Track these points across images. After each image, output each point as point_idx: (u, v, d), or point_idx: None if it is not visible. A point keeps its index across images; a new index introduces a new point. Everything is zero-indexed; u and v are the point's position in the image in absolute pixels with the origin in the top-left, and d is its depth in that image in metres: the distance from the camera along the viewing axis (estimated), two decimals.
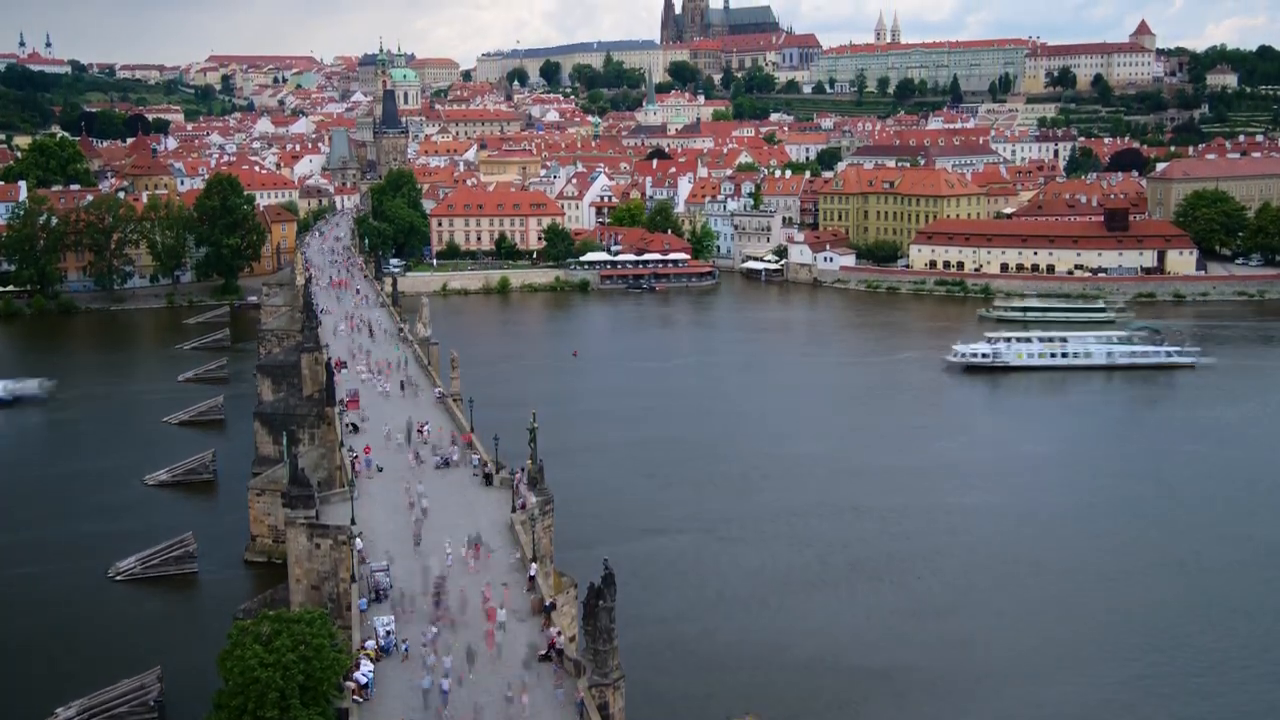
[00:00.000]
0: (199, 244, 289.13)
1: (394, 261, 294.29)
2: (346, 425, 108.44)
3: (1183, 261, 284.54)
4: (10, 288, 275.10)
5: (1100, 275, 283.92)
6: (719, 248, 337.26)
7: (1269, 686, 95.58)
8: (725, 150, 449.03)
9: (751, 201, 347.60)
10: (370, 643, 63.72)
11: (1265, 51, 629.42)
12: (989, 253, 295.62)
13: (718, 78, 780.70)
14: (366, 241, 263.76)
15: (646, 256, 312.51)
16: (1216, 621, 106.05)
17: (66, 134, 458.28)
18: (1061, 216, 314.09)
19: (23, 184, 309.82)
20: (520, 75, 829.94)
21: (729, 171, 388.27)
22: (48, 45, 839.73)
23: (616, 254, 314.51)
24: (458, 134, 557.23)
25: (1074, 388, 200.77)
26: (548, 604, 68.49)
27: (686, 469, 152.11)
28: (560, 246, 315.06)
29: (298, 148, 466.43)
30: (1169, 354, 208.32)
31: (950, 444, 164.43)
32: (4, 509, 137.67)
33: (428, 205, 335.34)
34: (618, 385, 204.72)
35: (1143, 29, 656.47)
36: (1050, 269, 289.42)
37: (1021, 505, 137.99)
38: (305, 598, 78.41)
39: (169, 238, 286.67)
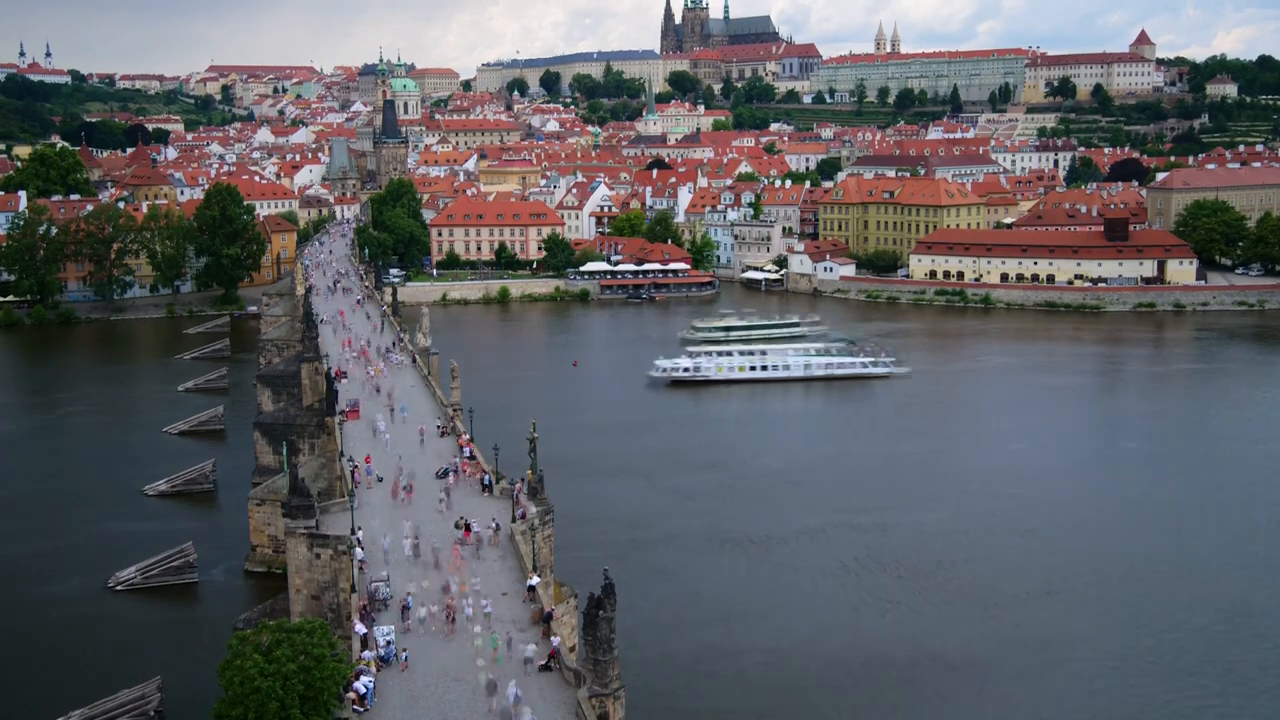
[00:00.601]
0: (199, 254, 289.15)
1: (394, 271, 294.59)
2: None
3: (1183, 271, 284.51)
4: (10, 298, 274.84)
5: (1100, 285, 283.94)
6: (719, 258, 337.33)
7: None
8: (725, 160, 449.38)
9: (751, 211, 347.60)
10: (370, 653, 63.63)
11: (1265, 61, 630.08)
12: (989, 263, 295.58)
13: (718, 88, 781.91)
14: (366, 251, 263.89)
15: (646, 266, 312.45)
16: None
17: (66, 144, 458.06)
18: (1061, 226, 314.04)
19: (23, 194, 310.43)
20: (520, 85, 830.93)
21: (729, 181, 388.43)
22: (48, 55, 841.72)
23: (616, 264, 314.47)
24: (458, 144, 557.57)
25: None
26: (547, 614, 68.45)
27: (688, 477, 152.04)
28: (560, 256, 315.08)
29: (298, 158, 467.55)
30: (865, 364, 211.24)
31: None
32: (4, 519, 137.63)
33: (427, 215, 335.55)
34: (617, 394, 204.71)
35: (1142, 39, 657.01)
36: (1050, 279, 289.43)
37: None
38: (305, 608, 78.30)
39: (169, 248, 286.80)
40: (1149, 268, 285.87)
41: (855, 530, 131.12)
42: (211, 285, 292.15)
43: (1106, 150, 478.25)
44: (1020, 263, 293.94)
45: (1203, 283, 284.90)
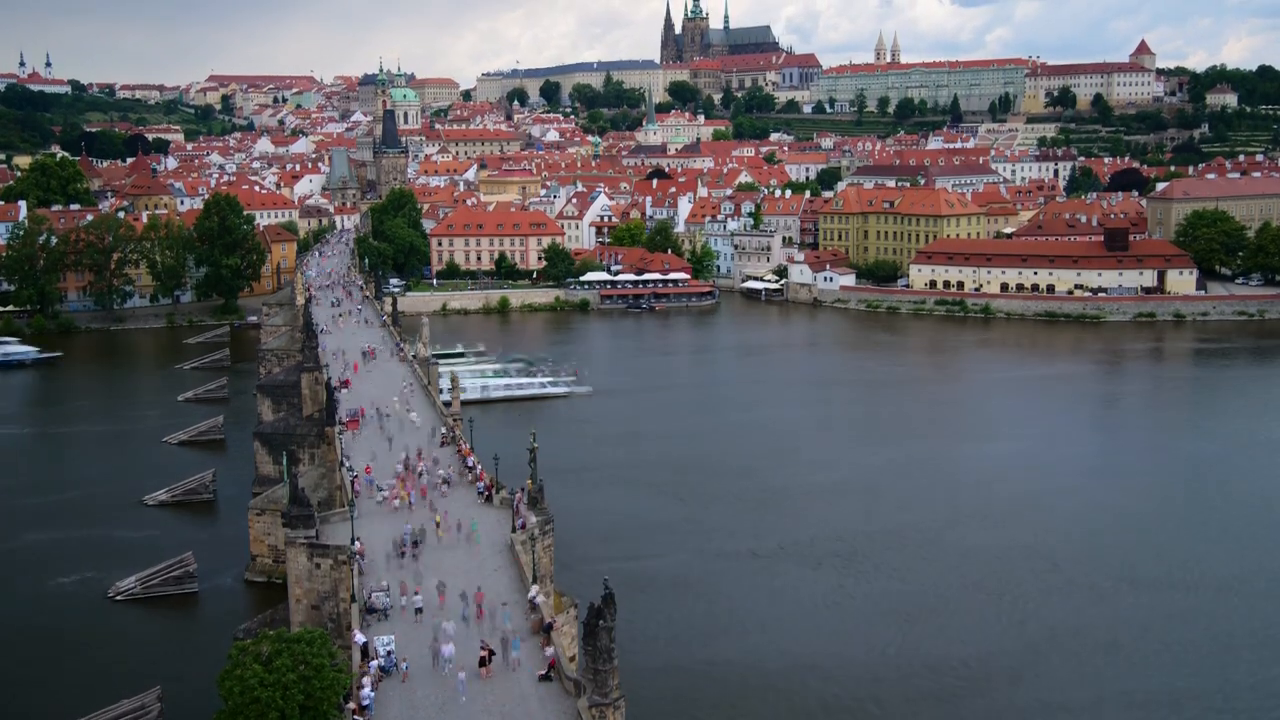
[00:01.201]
0: (199, 264, 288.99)
1: (394, 281, 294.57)
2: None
3: (1183, 281, 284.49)
4: (10, 307, 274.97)
5: (1100, 295, 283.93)
6: (719, 267, 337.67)
7: None
8: (725, 170, 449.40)
9: (751, 221, 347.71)
10: (373, 663, 63.56)
11: (1265, 71, 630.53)
12: (989, 272, 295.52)
13: (718, 97, 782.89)
14: (366, 261, 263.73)
15: (646, 276, 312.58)
16: None
17: (66, 154, 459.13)
18: (1061, 236, 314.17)
19: (23, 204, 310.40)
20: (520, 95, 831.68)
21: (729, 191, 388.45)
22: (48, 65, 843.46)
23: (616, 274, 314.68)
24: (458, 154, 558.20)
25: None
26: (547, 624, 68.40)
27: (688, 487, 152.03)
28: (560, 266, 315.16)
29: (298, 167, 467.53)
30: (544, 385, 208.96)
31: None
32: (4, 529, 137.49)
33: (428, 225, 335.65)
34: (617, 404, 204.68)
35: (1143, 49, 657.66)
36: (1050, 289, 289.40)
37: None
38: (305, 617, 78.25)
39: (169, 257, 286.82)
40: (1149, 278, 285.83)
41: None
42: (211, 295, 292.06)
43: (1106, 160, 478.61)
44: (1020, 273, 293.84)
45: (1203, 293, 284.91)
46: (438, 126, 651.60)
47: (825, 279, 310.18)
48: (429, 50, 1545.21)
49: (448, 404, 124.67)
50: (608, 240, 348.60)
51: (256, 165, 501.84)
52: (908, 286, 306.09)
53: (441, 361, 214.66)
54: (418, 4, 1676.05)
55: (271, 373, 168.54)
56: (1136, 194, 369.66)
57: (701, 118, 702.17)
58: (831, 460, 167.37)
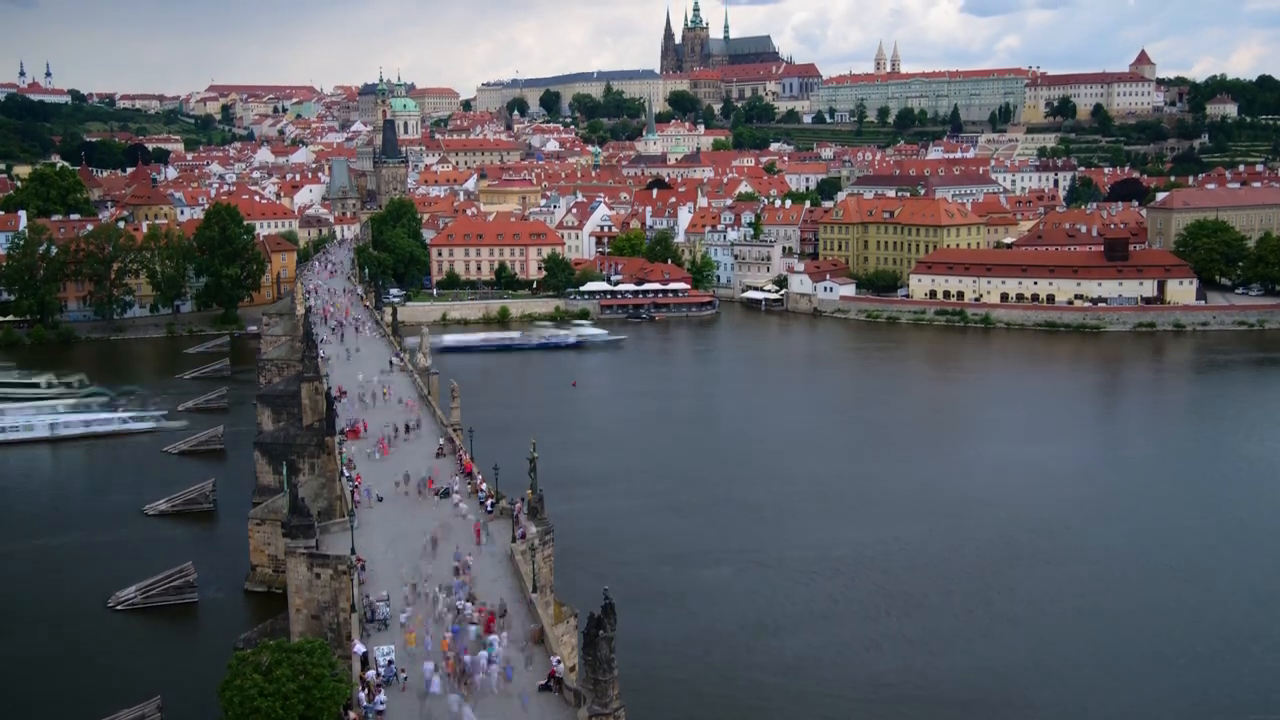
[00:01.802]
0: (199, 273, 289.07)
1: (394, 291, 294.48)
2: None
3: (1183, 291, 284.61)
4: (10, 317, 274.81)
5: (1100, 305, 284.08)
6: (719, 277, 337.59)
7: None
8: (725, 180, 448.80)
9: (751, 231, 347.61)
10: (371, 673, 63.49)
11: (1265, 81, 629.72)
12: (989, 282, 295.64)
13: (718, 107, 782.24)
14: (366, 271, 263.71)
15: (646, 286, 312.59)
16: None
17: (66, 163, 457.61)
18: (1061, 246, 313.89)
19: (23, 213, 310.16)
20: (520, 105, 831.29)
21: (729, 201, 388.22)
22: (48, 75, 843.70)
23: (616, 284, 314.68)
24: (458, 164, 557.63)
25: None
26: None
27: (688, 496, 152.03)
28: (560, 276, 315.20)
29: (298, 177, 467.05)
30: (125, 420, 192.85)
31: None
32: (4, 539, 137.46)
33: (428, 235, 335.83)
34: (617, 414, 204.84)
35: (1143, 59, 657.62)
36: (1050, 299, 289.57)
37: None
38: (305, 627, 78.26)
39: (169, 267, 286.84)
40: (1149, 288, 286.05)
41: None
42: (211, 305, 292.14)
43: (1106, 170, 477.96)
44: (1020, 283, 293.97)
45: (1203, 303, 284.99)
46: (438, 136, 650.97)
47: (825, 289, 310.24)
48: (443, 61, 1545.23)
49: None
50: (608, 250, 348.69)
51: (256, 175, 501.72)
52: (908, 296, 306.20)
53: (7, 391, 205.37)
54: (435, 14, 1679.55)
55: (271, 382, 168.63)
56: (1136, 204, 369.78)
57: (701, 128, 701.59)
58: (831, 470, 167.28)
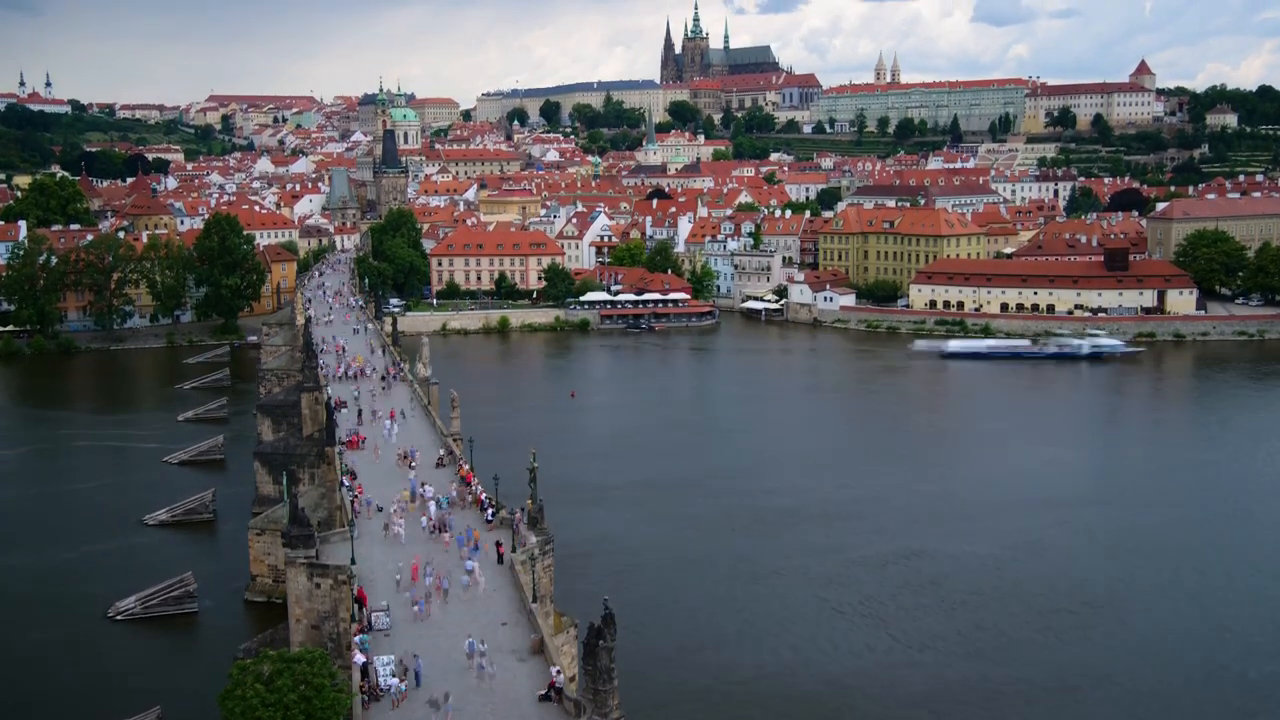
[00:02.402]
0: (199, 284, 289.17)
1: (394, 301, 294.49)
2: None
3: (1183, 301, 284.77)
4: (10, 327, 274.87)
5: (1100, 315, 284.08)
6: (719, 287, 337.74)
7: None
8: (725, 190, 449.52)
9: (751, 241, 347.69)
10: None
11: (1265, 91, 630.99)
12: (989, 292, 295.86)
13: (718, 117, 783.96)
14: (366, 281, 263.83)
15: (646, 296, 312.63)
16: None
17: (66, 173, 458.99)
18: (1061, 256, 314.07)
19: (23, 223, 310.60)
20: (520, 115, 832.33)
21: (729, 211, 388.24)
22: (48, 85, 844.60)
23: (616, 294, 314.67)
24: (458, 174, 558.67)
25: None
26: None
27: (686, 507, 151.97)
28: (560, 286, 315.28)
29: (298, 187, 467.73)
30: None
31: None
32: (4, 549, 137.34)
33: (428, 245, 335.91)
34: (616, 425, 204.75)
35: (1142, 69, 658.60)
36: (1050, 309, 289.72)
37: None
38: (305, 637, 78.08)
39: (169, 277, 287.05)
40: (1149, 298, 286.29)
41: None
42: (211, 315, 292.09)
43: (1106, 180, 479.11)
44: (1020, 292, 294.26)
45: (1203, 313, 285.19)
46: (438, 146, 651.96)
47: (825, 299, 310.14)
48: (457, 70, 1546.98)
49: None
50: (608, 260, 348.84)
51: (256, 185, 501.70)
52: (908, 306, 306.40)
53: None
54: (452, 23, 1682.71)
55: (271, 392, 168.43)
56: (1136, 214, 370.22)
57: (701, 138, 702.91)
58: (831, 481, 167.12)
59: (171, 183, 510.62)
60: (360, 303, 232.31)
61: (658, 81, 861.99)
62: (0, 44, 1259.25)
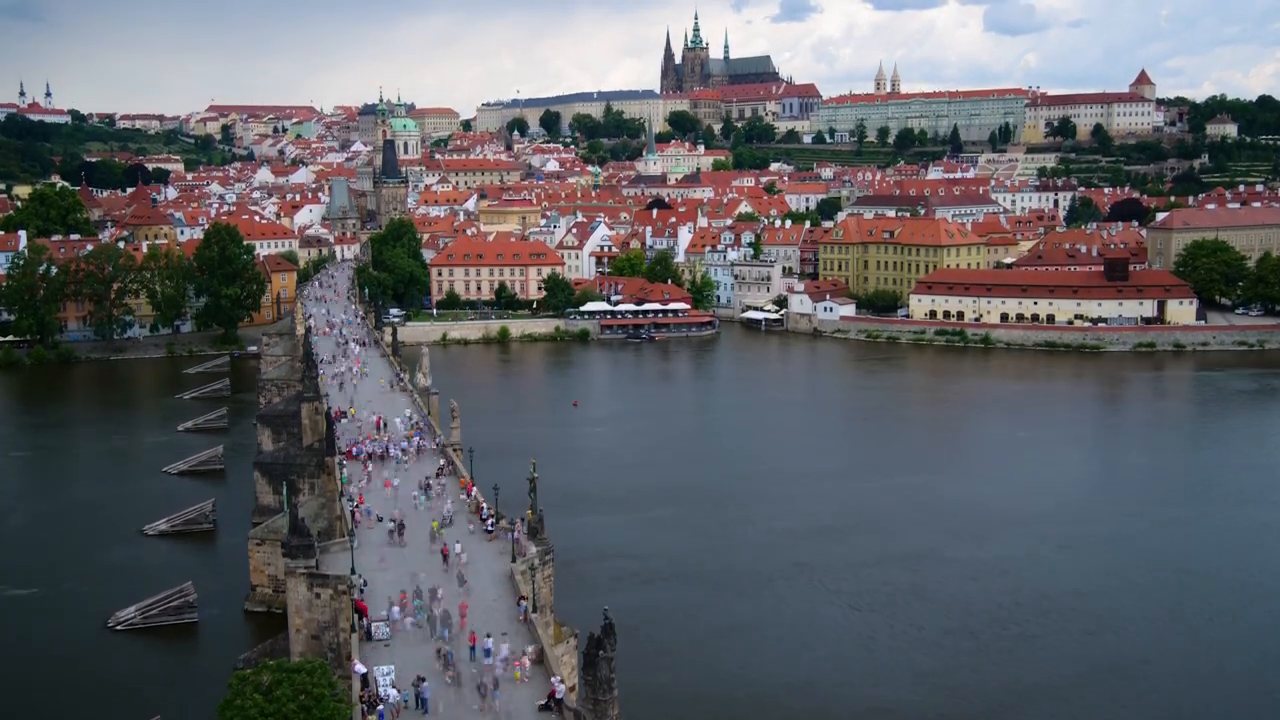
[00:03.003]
0: (199, 294, 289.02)
1: (394, 311, 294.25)
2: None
3: (1183, 311, 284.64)
4: (10, 337, 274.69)
5: (1100, 325, 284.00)
6: (719, 297, 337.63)
7: None
8: (725, 200, 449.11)
9: (751, 251, 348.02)
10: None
11: (1265, 101, 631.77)
12: (989, 302, 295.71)
13: (718, 127, 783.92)
14: (366, 291, 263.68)
15: (646, 306, 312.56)
16: None
17: (66, 183, 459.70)
18: (1061, 266, 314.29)
19: (22, 233, 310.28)
20: (520, 125, 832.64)
21: (729, 221, 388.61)
22: (48, 95, 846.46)
23: (616, 304, 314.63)
24: (458, 183, 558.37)
25: None
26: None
27: (687, 517, 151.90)
28: (560, 296, 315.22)
29: (298, 197, 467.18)
30: None
31: None
32: (4, 559, 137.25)
33: (427, 255, 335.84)
34: (616, 434, 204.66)
35: (1142, 79, 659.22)
36: (1050, 319, 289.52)
37: None
38: (305, 647, 78.08)
39: (169, 287, 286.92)
40: (1149, 308, 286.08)
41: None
42: (211, 325, 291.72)
43: (1106, 190, 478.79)
44: (1020, 303, 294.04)
45: (1203, 323, 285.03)
46: (438, 156, 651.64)
47: (825, 309, 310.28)
48: (468, 76, 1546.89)
49: None
50: (608, 270, 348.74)
51: (256, 195, 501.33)
52: (908, 316, 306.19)
53: None
54: (468, 35, 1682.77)
55: (271, 402, 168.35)
56: (1136, 224, 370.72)
57: (701, 148, 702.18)
58: (832, 490, 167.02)
59: (171, 193, 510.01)
60: (360, 314, 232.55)
61: (658, 91, 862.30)
62: (0, 54, 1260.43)
